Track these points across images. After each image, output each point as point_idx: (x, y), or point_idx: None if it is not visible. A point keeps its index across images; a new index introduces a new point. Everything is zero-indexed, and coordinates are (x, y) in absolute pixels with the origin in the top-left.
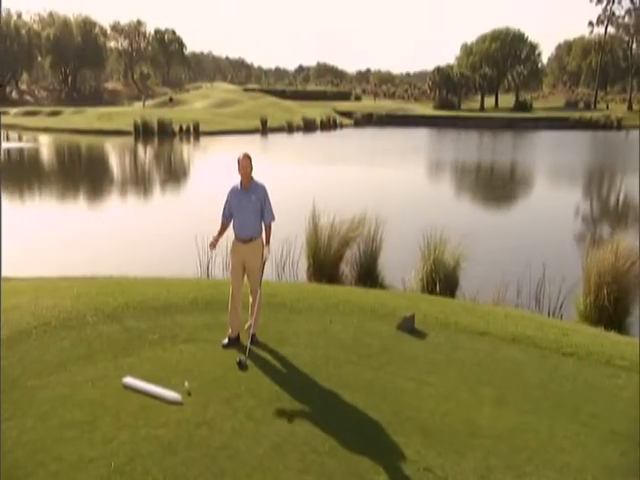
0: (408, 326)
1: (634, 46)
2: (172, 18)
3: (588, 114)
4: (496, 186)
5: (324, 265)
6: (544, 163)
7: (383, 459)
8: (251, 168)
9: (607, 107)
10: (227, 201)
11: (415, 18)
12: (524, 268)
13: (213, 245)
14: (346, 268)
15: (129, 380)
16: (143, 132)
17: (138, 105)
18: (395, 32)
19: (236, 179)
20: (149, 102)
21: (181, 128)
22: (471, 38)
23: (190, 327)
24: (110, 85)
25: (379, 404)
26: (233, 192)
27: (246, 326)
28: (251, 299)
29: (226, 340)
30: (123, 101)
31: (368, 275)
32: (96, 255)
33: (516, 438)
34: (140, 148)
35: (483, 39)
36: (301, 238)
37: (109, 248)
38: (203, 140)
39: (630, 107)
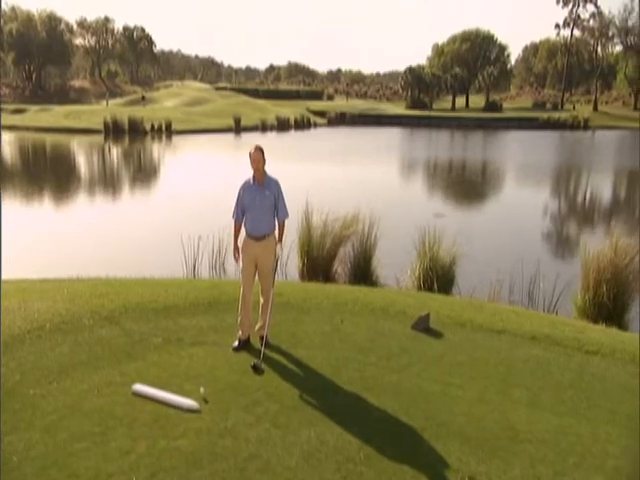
0: (423, 325)
1: (599, 49)
2: (140, 15)
3: (556, 114)
4: (473, 184)
5: (317, 264)
6: (517, 161)
7: (424, 468)
8: (264, 162)
9: (574, 108)
10: (238, 198)
11: (383, 19)
12: (514, 265)
13: (238, 258)
14: (339, 267)
15: (139, 387)
16: (114, 131)
17: (104, 103)
18: (364, 33)
19: (213, 178)
20: (118, 100)
21: (153, 127)
22: (439, 39)
23: (195, 329)
24: (77, 83)
25: (409, 408)
26: (245, 188)
27: (257, 327)
28: (262, 299)
29: (236, 343)
30: (90, 99)
31: (362, 274)
32: (68, 257)
33: (559, 442)
34: (111, 147)
35: (454, 40)
36: (289, 236)
37: (79, 249)
38: (175, 139)
39: (595, 108)
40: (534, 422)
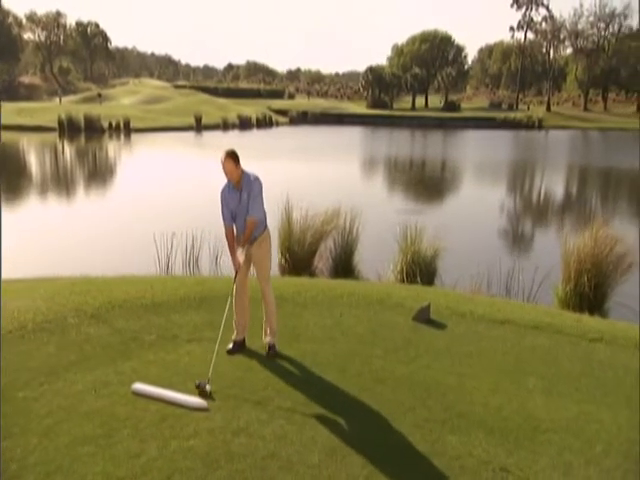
0: (424, 317)
1: (551, 51)
2: (94, 11)
3: (512, 114)
4: (438, 180)
5: (298, 259)
6: (479, 159)
7: (452, 461)
8: (236, 166)
9: (528, 108)
10: (223, 202)
11: (341, 20)
12: (489, 260)
13: (239, 265)
14: (320, 262)
15: (140, 386)
16: (69, 128)
17: (57, 100)
18: (322, 33)
19: (176, 176)
20: (72, 97)
21: (110, 125)
22: (397, 40)
23: (190, 326)
24: (27, 79)
25: (425, 400)
26: (226, 192)
27: (263, 335)
28: (264, 305)
29: (231, 345)
30: (42, 96)
31: (344, 268)
32: (28, 257)
33: (583, 430)
34: (66, 145)
35: (413, 40)
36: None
37: (37, 250)
38: (135, 137)
39: (549, 108)
40: (554, 411)
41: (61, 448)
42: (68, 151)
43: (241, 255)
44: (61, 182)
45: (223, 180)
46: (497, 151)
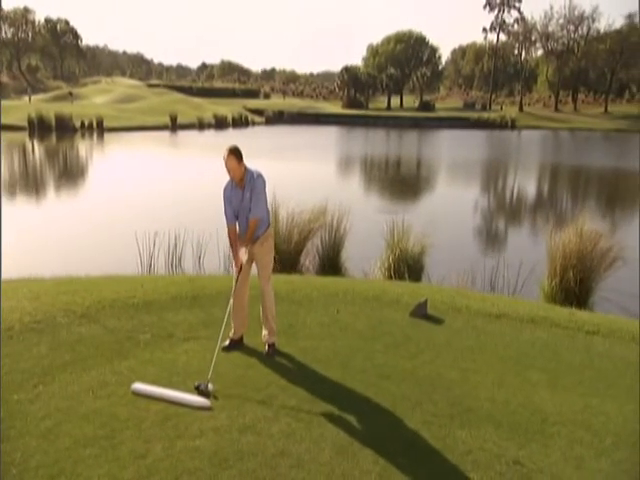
0: (422, 312)
1: (523, 52)
2: (63, 8)
3: (485, 115)
4: (415, 180)
5: (284, 257)
6: (456, 159)
7: (464, 455)
8: (239, 164)
9: (501, 108)
10: (225, 200)
11: (315, 20)
12: (470, 255)
13: (242, 263)
14: (306, 260)
15: (139, 386)
16: (39, 128)
17: (26, 99)
18: (296, 33)
19: (152, 175)
20: (42, 96)
21: (83, 124)
22: (371, 41)
23: (185, 325)
24: None
25: (431, 395)
26: (228, 190)
27: (263, 334)
28: (261, 308)
29: (227, 342)
30: (9, 94)
31: (331, 266)
32: (7, 257)
33: (591, 423)
34: (36, 145)
35: (388, 40)
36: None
37: (12, 250)
38: (108, 136)
39: (521, 109)
40: (560, 404)
41: (62, 450)
42: (38, 150)
43: (244, 254)
44: (32, 183)
45: (202, 179)
46: (472, 150)
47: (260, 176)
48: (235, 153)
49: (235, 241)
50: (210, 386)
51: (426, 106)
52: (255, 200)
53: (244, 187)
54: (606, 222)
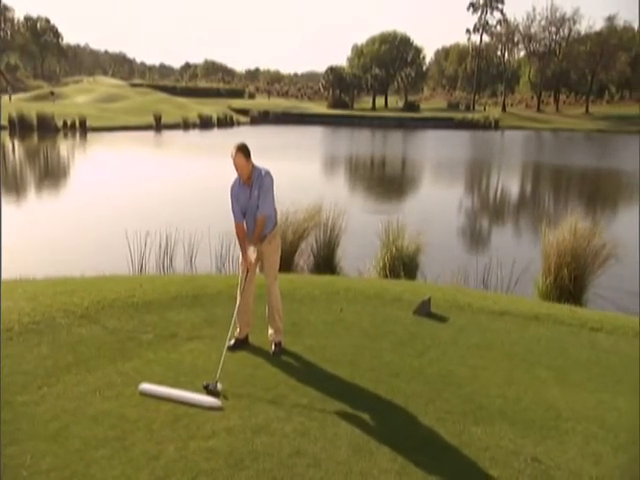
0: (425, 310)
1: (506, 53)
2: (43, 7)
3: (469, 115)
4: (400, 180)
5: (280, 256)
6: (441, 159)
7: (481, 452)
8: (247, 161)
9: (484, 109)
10: (233, 198)
11: (300, 21)
12: (459, 254)
13: (250, 262)
14: (300, 259)
15: (147, 387)
16: (20, 127)
17: (6, 98)
18: (281, 33)
19: (137, 176)
20: (22, 95)
21: (65, 123)
22: (357, 41)
23: (187, 324)
24: None
25: (442, 392)
26: (236, 188)
27: (269, 333)
28: (268, 307)
29: (232, 341)
30: None
31: (326, 265)
32: None
33: (604, 419)
34: (17, 144)
35: (373, 41)
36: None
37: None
38: (91, 136)
39: (504, 109)
40: (571, 400)
41: (73, 452)
42: (19, 150)
43: (253, 253)
44: (12, 183)
45: (189, 179)
46: (456, 150)
47: (268, 174)
48: (243, 150)
49: (243, 239)
50: (219, 386)
51: (411, 106)
52: (263, 198)
53: (252, 185)
54: (588, 220)
